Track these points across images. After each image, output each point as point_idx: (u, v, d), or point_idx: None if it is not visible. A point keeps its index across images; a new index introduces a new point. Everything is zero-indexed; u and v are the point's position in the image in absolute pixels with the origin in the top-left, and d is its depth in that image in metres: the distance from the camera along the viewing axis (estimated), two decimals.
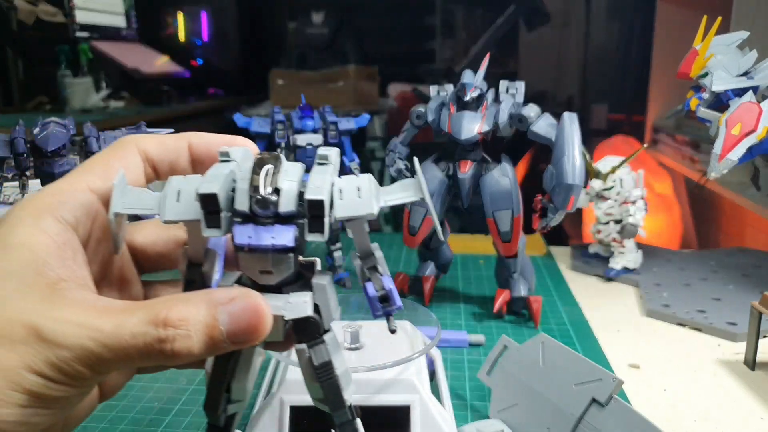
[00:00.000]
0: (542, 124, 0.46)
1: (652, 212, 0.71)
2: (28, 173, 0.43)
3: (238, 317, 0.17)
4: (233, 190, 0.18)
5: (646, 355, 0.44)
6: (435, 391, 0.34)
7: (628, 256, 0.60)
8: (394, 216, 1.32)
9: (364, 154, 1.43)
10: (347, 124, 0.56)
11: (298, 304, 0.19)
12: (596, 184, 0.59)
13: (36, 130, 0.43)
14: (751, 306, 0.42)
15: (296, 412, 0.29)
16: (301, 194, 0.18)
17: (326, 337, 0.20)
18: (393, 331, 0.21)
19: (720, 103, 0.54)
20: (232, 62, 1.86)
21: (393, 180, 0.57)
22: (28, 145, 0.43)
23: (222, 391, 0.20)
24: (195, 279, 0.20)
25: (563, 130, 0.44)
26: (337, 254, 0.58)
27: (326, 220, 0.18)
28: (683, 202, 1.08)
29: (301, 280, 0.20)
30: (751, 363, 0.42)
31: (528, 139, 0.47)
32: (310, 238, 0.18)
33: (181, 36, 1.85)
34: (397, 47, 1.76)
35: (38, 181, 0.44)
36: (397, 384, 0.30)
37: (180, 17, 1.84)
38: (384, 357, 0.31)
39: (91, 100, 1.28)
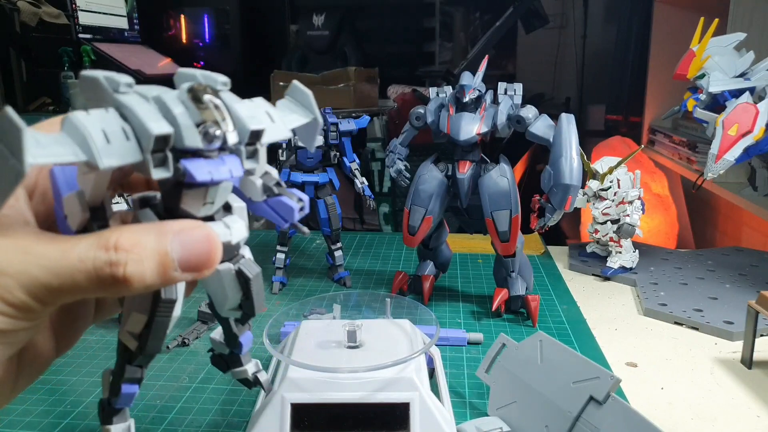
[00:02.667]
0: (540, 125, 0.46)
1: (649, 212, 0.72)
2: None
3: (190, 246, 0.17)
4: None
5: (643, 354, 0.45)
6: (434, 388, 0.34)
7: (625, 256, 0.60)
8: (394, 216, 1.32)
9: (364, 154, 1.44)
10: (347, 125, 0.56)
11: (238, 229, 0.20)
12: (593, 184, 0.60)
13: None
14: (747, 305, 0.42)
15: (297, 409, 0.30)
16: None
17: (243, 251, 0.21)
18: (305, 233, 0.22)
19: (717, 104, 0.54)
20: (234, 64, 1.87)
21: (393, 180, 0.58)
22: None
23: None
24: (97, 221, 0.19)
25: (561, 131, 0.45)
26: (338, 254, 0.59)
27: (261, 149, 0.19)
28: (680, 202, 1.09)
29: (228, 209, 0.20)
30: (748, 361, 0.43)
31: (526, 140, 0.47)
32: (249, 165, 0.19)
33: (184, 38, 1.86)
34: (397, 49, 1.76)
35: None
36: (397, 382, 0.30)
37: (182, 19, 1.84)
38: (383, 355, 0.32)
39: None
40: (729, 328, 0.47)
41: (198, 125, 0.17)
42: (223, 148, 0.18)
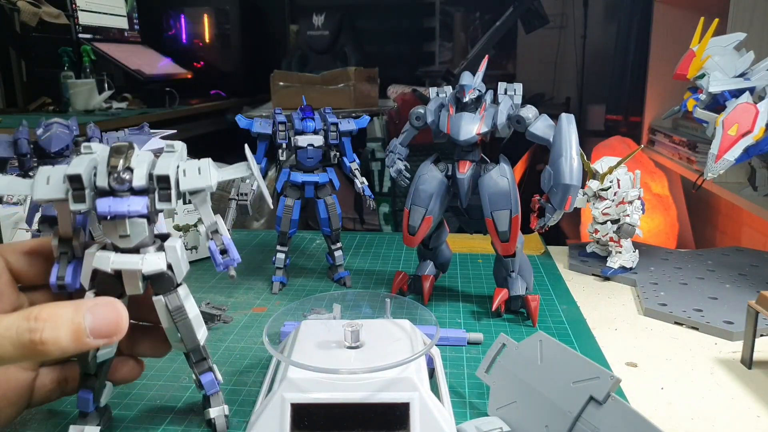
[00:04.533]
0: (540, 125, 0.46)
1: (650, 212, 0.72)
2: (31, 174, 0.44)
3: (101, 316, 0.22)
4: (95, 175, 0.24)
5: (643, 354, 0.45)
6: (434, 388, 0.34)
7: (625, 256, 0.60)
8: (394, 216, 1.32)
9: (364, 154, 1.44)
10: (347, 125, 0.56)
11: (152, 261, 0.25)
12: (593, 184, 0.60)
13: (39, 131, 0.43)
14: (747, 305, 0.42)
15: (297, 409, 0.30)
16: (151, 175, 0.24)
17: (179, 289, 0.27)
18: (232, 277, 0.28)
19: (717, 104, 0.54)
20: (234, 64, 1.87)
21: (393, 180, 0.58)
22: (32, 146, 0.43)
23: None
24: (66, 251, 0.25)
25: (561, 131, 0.45)
26: (338, 254, 0.59)
27: (172, 192, 0.25)
28: (680, 202, 1.09)
29: (156, 244, 0.26)
30: (748, 362, 0.43)
31: (526, 140, 0.47)
32: (161, 206, 0.25)
33: (184, 38, 1.86)
34: (397, 49, 1.76)
35: None
36: (397, 382, 0.30)
37: (182, 19, 1.84)
38: (384, 355, 0.32)
39: (94, 101, 1.29)
40: (729, 328, 0.47)
41: (110, 171, 0.24)
42: (135, 191, 0.24)
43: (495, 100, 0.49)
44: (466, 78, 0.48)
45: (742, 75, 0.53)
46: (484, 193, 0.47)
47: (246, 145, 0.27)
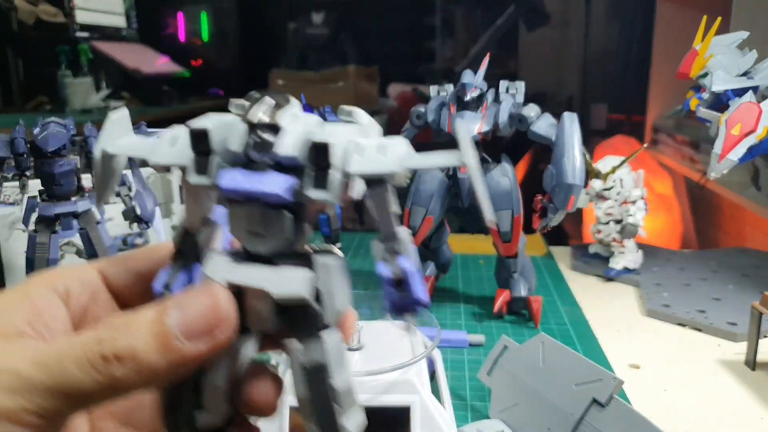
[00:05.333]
0: (542, 124, 0.46)
1: (653, 212, 0.71)
2: (28, 173, 0.43)
3: (191, 308, 0.14)
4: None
5: (646, 355, 0.44)
6: (435, 391, 0.34)
7: (628, 256, 0.60)
8: None
9: None
10: None
11: (290, 279, 0.15)
12: (596, 184, 0.59)
13: (36, 131, 0.43)
14: (751, 306, 0.42)
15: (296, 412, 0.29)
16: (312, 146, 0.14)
17: (326, 334, 0.15)
18: (408, 329, 0.16)
19: (720, 103, 0.53)
20: (233, 62, 1.86)
21: None
22: (29, 145, 0.43)
23: (183, 387, 0.16)
24: (185, 249, 0.16)
25: (563, 130, 0.44)
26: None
27: (332, 173, 0.14)
28: (683, 202, 1.08)
29: (302, 258, 0.16)
30: (752, 363, 0.42)
31: (528, 139, 0.47)
32: (314, 195, 0.14)
33: (182, 36, 1.85)
34: (397, 47, 1.76)
35: (38, 181, 0.44)
36: (398, 384, 0.30)
37: (180, 17, 1.84)
38: (385, 357, 0.31)
39: (92, 100, 1.28)
40: (732, 329, 0.47)
41: (249, 130, 0.15)
42: (282, 166, 0.15)
43: (497, 99, 0.48)
44: (467, 76, 0.47)
45: (745, 74, 0.53)
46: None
47: (459, 124, 0.16)
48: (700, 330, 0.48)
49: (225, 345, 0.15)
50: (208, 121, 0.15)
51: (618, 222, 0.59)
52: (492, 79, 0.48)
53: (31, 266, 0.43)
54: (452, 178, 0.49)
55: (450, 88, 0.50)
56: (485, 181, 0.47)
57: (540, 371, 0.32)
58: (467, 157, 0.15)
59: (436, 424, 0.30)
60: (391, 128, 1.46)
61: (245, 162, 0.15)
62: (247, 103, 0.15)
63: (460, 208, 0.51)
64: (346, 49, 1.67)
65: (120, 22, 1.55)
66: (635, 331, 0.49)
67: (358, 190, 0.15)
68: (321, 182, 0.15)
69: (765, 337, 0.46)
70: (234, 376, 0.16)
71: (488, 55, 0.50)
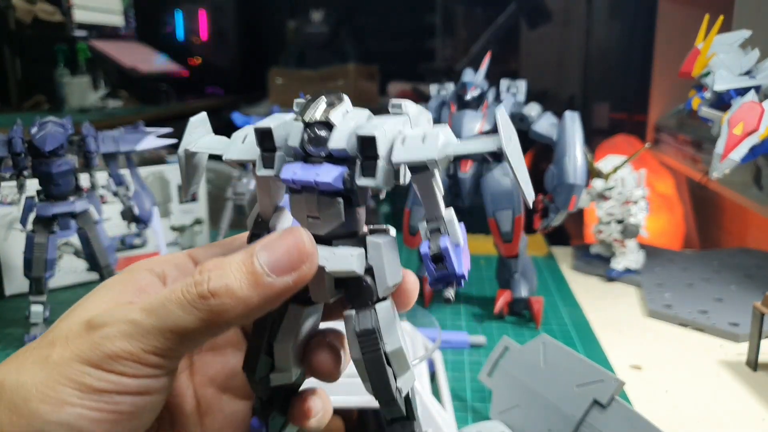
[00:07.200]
0: (544, 123, 0.45)
1: (654, 212, 0.71)
2: (25, 173, 0.43)
3: (278, 248, 0.17)
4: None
5: (647, 356, 0.44)
6: (435, 392, 0.34)
7: (629, 257, 0.60)
8: (394, 216, 1.31)
9: None
10: None
11: (343, 257, 0.17)
12: (598, 183, 0.59)
13: (34, 130, 0.43)
14: (753, 307, 0.41)
15: None
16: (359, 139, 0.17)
17: (379, 306, 0.18)
18: (448, 301, 0.18)
19: (722, 102, 0.53)
20: (231, 61, 1.86)
21: None
22: (26, 145, 0.42)
23: (260, 351, 0.19)
24: (260, 234, 0.19)
25: (565, 130, 0.44)
26: None
27: (379, 163, 0.16)
28: (685, 202, 1.08)
29: (358, 239, 0.18)
30: (754, 364, 0.42)
31: (529, 138, 0.46)
32: (362, 182, 0.17)
33: (180, 34, 1.84)
34: (397, 45, 1.75)
35: (36, 180, 0.44)
36: None
37: (179, 16, 1.83)
38: None
39: (89, 99, 1.28)
40: (734, 329, 0.47)
41: (305, 127, 0.17)
42: (334, 158, 0.17)
43: (498, 98, 0.48)
44: (468, 75, 0.47)
45: (747, 73, 0.53)
46: (486, 192, 0.47)
47: (499, 110, 0.17)
48: (701, 330, 0.48)
49: (309, 278, 0.17)
50: (271, 121, 0.18)
51: (620, 222, 0.59)
52: (493, 78, 0.48)
53: (29, 266, 0.43)
54: (453, 177, 0.49)
55: (450, 86, 0.49)
56: (487, 180, 0.47)
57: (541, 372, 0.32)
58: (504, 141, 0.16)
59: (437, 425, 0.29)
60: None
61: (304, 156, 0.17)
62: (304, 103, 0.18)
63: (460, 208, 0.50)
64: (345, 47, 1.67)
65: (118, 20, 1.54)
66: (637, 332, 0.49)
67: (406, 176, 0.18)
68: (369, 171, 0.17)
69: (767, 337, 0.46)
70: (301, 343, 0.19)
71: (489, 53, 0.50)
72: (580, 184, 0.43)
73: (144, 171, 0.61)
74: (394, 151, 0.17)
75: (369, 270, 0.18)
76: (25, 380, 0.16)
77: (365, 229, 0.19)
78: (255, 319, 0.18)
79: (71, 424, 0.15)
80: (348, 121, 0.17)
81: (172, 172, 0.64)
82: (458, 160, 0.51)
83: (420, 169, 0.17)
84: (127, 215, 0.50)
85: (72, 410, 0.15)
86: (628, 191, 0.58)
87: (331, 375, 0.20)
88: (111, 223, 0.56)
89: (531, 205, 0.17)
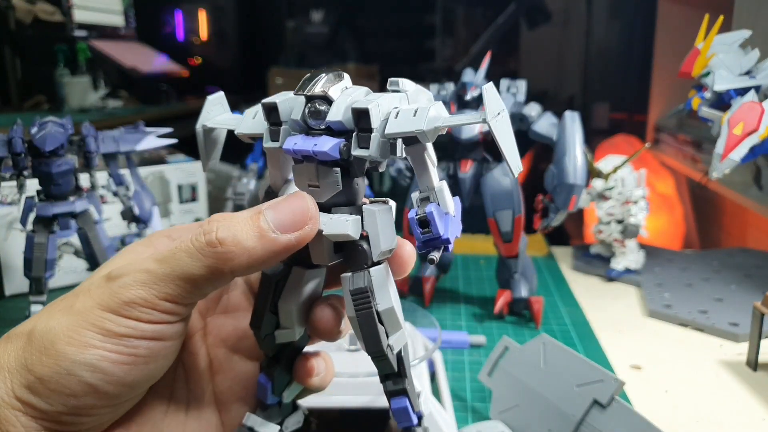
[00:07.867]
0: (544, 123, 0.45)
1: (654, 212, 0.71)
2: (25, 173, 0.43)
3: (283, 208, 0.18)
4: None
5: (647, 356, 0.44)
6: (435, 392, 0.34)
7: (629, 257, 0.60)
8: (394, 216, 1.31)
9: None
10: None
11: (339, 222, 0.19)
12: (598, 183, 0.59)
13: (34, 130, 0.42)
14: (753, 306, 0.42)
15: None
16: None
17: (373, 269, 0.19)
18: (431, 261, 0.19)
19: (722, 102, 0.53)
20: (231, 61, 1.86)
21: (393, 180, 0.57)
22: (26, 145, 0.42)
23: (266, 308, 0.20)
24: None
25: (565, 130, 0.44)
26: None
27: (373, 135, 0.18)
28: (685, 202, 1.08)
29: (354, 206, 0.19)
30: (753, 364, 0.42)
31: (529, 138, 0.46)
32: (357, 153, 0.18)
33: (180, 34, 1.84)
34: (397, 46, 1.75)
35: (36, 180, 0.44)
36: None
37: (178, 16, 1.83)
38: None
39: (89, 99, 1.28)
40: (734, 329, 0.47)
41: (307, 101, 0.18)
42: (333, 131, 0.18)
43: None
44: (468, 75, 0.47)
45: (747, 73, 0.53)
46: (486, 192, 0.47)
47: (487, 85, 0.18)
48: (701, 330, 0.48)
49: (310, 238, 0.18)
50: (277, 97, 0.19)
51: (620, 222, 0.59)
52: (493, 78, 0.48)
53: (29, 266, 0.43)
54: (452, 177, 0.49)
55: (450, 86, 0.49)
56: (487, 180, 0.47)
57: (541, 372, 0.32)
58: (490, 114, 0.17)
59: (437, 425, 0.29)
60: None
61: (306, 129, 0.19)
62: (306, 77, 0.19)
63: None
64: (345, 47, 1.67)
65: (118, 20, 1.54)
66: (637, 332, 0.49)
67: (401, 148, 0.19)
68: (364, 143, 0.18)
69: (767, 337, 0.46)
70: (304, 304, 0.21)
71: (489, 53, 0.50)
72: (580, 184, 0.43)
73: (144, 171, 0.61)
74: (387, 124, 0.18)
75: (367, 238, 0.19)
76: (53, 326, 0.17)
77: (366, 201, 0.20)
78: (260, 281, 0.20)
79: (94, 364, 0.17)
80: (346, 96, 0.18)
81: (172, 172, 0.64)
82: (458, 158, 0.51)
83: (412, 140, 0.18)
84: (127, 215, 0.50)
85: (95, 351, 0.17)
86: (628, 191, 0.58)
87: (331, 332, 0.21)
88: (111, 223, 0.56)
89: (515, 175, 0.19)
